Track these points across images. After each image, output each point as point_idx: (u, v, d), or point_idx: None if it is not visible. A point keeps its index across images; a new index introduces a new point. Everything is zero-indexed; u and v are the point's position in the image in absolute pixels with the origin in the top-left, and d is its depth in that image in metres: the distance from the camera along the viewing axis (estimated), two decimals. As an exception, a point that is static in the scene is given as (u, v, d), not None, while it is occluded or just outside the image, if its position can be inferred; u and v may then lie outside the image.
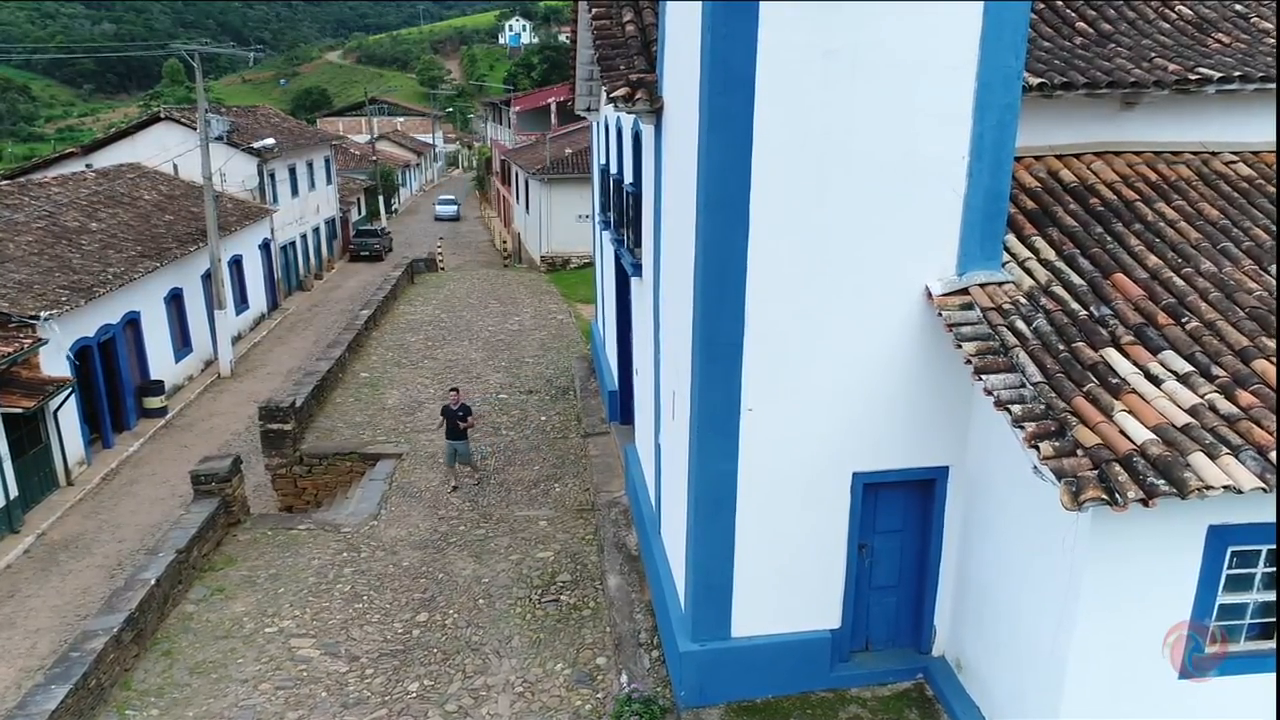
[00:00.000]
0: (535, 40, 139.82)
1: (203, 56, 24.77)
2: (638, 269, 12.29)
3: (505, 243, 49.16)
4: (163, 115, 32.03)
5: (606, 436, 16.78)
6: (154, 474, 18.35)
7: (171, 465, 18.49)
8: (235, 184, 31.87)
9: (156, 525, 15.62)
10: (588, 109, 16.87)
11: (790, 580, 9.00)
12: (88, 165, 30.29)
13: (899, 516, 9.15)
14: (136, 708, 10.14)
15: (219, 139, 30.08)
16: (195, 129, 26.45)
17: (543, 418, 18.87)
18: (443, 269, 39.45)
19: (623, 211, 13.49)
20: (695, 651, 9.05)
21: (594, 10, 11.54)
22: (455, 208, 64.70)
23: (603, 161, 17.28)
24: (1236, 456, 6.40)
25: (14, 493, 15.76)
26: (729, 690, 9.17)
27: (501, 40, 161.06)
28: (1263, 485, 6.18)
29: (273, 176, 34.36)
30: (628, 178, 13.07)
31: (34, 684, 9.69)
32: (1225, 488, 6.18)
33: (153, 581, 11.45)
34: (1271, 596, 7.28)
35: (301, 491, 17.21)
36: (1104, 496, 6.19)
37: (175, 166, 29.61)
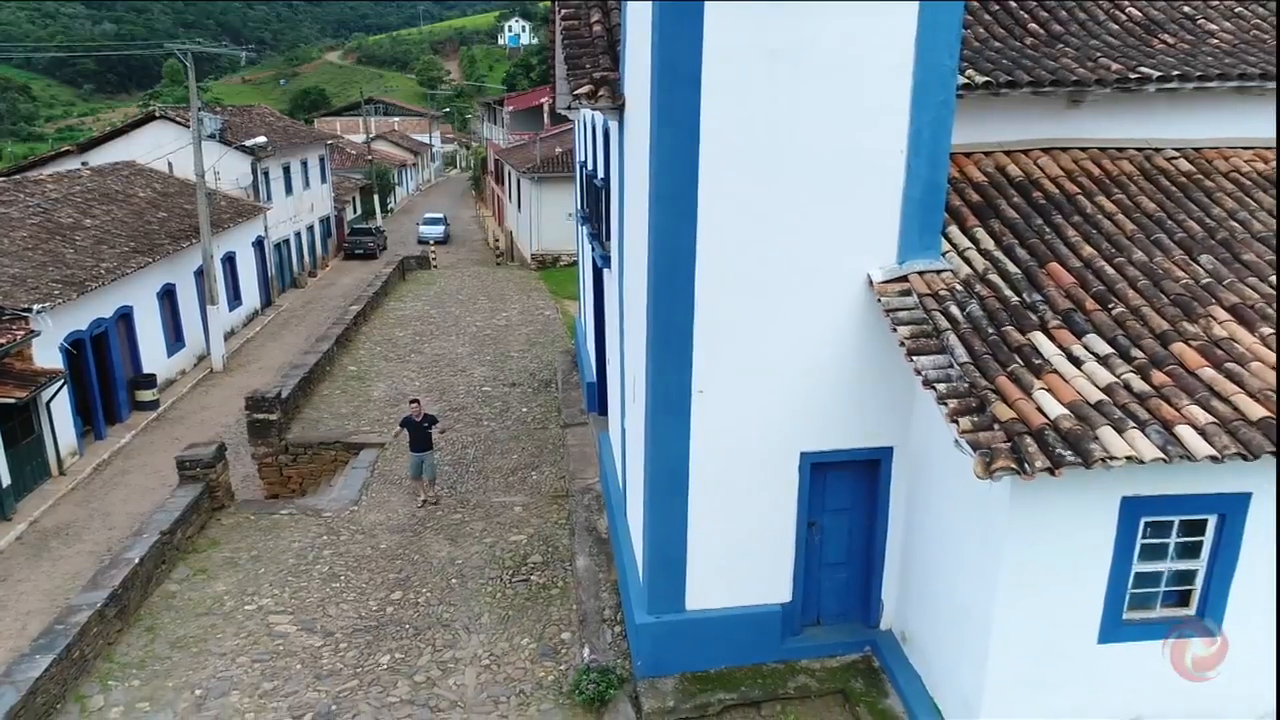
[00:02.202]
0: (535, 41, 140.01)
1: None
2: (607, 260, 12.69)
3: (497, 241, 49.58)
4: (157, 114, 32.57)
5: (585, 427, 17.17)
6: (145, 464, 18.73)
7: (162, 456, 18.82)
8: (230, 182, 32.29)
9: (147, 513, 15.96)
10: (568, 108, 17.25)
11: (742, 556, 9.38)
12: (83, 163, 30.69)
13: (847, 495, 9.53)
14: (119, 679, 10.55)
15: (211, 137, 30.51)
16: (189, 127, 26.87)
17: (524, 409, 19.27)
18: (436, 267, 39.86)
19: (594, 205, 13.90)
20: (651, 623, 9.45)
21: (563, 11, 11.96)
22: (443, 228, 50.10)
23: (581, 158, 17.68)
24: (1143, 430, 6.80)
25: (6, 481, 16.16)
26: (683, 661, 9.56)
27: (501, 41, 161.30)
28: (1163, 456, 6.58)
29: (267, 175, 34.80)
30: (599, 172, 13.47)
31: (20, 654, 10.09)
32: (1128, 458, 6.57)
33: (136, 561, 11.85)
34: (1185, 565, 7.69)
35: (287, 480, 17.63)
36: (1014, 466, 6.60)
37: (170, 164, 30.06)
